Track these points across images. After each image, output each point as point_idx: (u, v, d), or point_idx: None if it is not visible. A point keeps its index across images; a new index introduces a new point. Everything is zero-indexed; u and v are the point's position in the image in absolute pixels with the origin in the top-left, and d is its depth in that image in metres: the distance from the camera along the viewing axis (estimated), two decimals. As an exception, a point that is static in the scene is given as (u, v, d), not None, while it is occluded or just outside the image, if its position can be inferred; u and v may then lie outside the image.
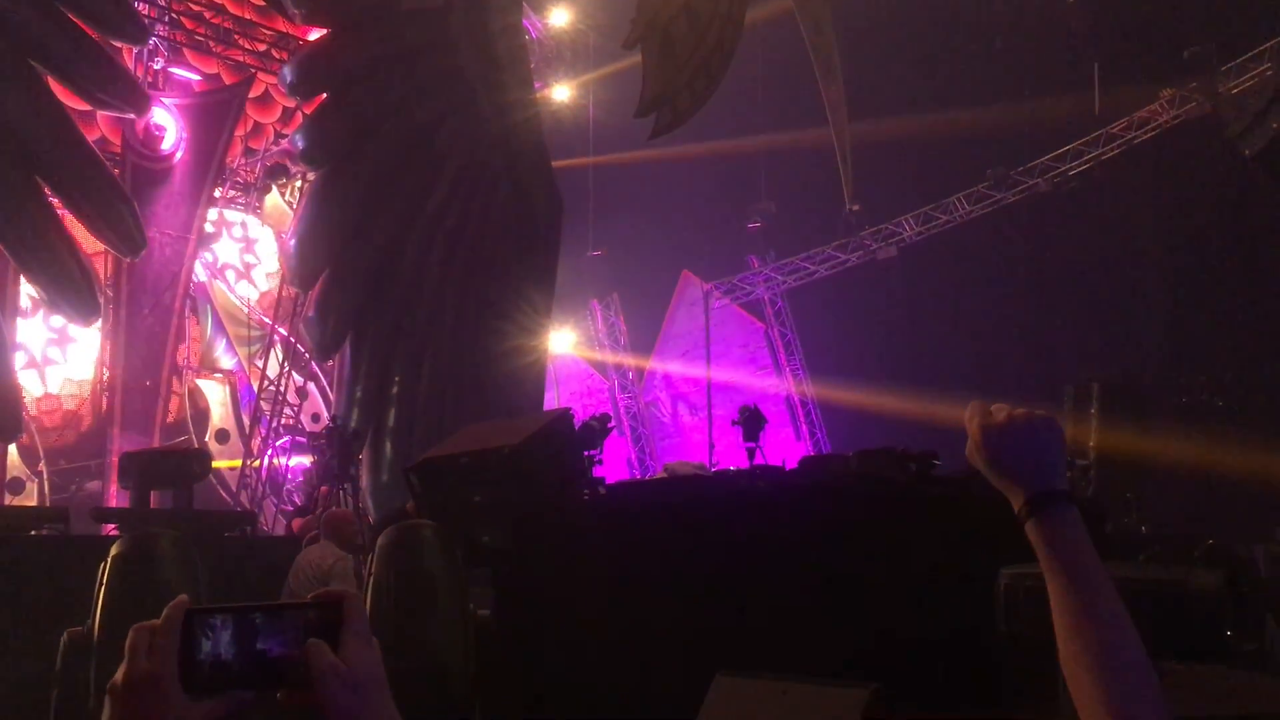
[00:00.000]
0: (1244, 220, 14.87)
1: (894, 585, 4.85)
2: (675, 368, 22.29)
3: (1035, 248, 17.62)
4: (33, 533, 8.41)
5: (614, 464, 17.79)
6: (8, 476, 15.51)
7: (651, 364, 22.82)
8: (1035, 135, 17.22)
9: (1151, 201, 16.26)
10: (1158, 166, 16.41)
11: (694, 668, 3.97)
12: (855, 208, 19.25)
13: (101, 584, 3.78)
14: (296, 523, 11.44)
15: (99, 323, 15.00)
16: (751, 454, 9.36)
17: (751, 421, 9.35)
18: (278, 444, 17.88)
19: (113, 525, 9.11)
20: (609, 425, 7.97)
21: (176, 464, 9.65)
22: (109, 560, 3.83)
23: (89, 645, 3.61)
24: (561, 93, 20.86)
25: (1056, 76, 16.58)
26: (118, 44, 14.06)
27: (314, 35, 15.52)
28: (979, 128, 16.99)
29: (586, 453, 6.81)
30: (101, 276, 15.56)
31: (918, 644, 4.53)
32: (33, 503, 16.20)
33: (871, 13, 17.95)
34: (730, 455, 17.33)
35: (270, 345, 18.75)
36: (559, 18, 20.50)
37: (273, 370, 18.40)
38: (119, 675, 1.08)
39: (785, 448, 19.04)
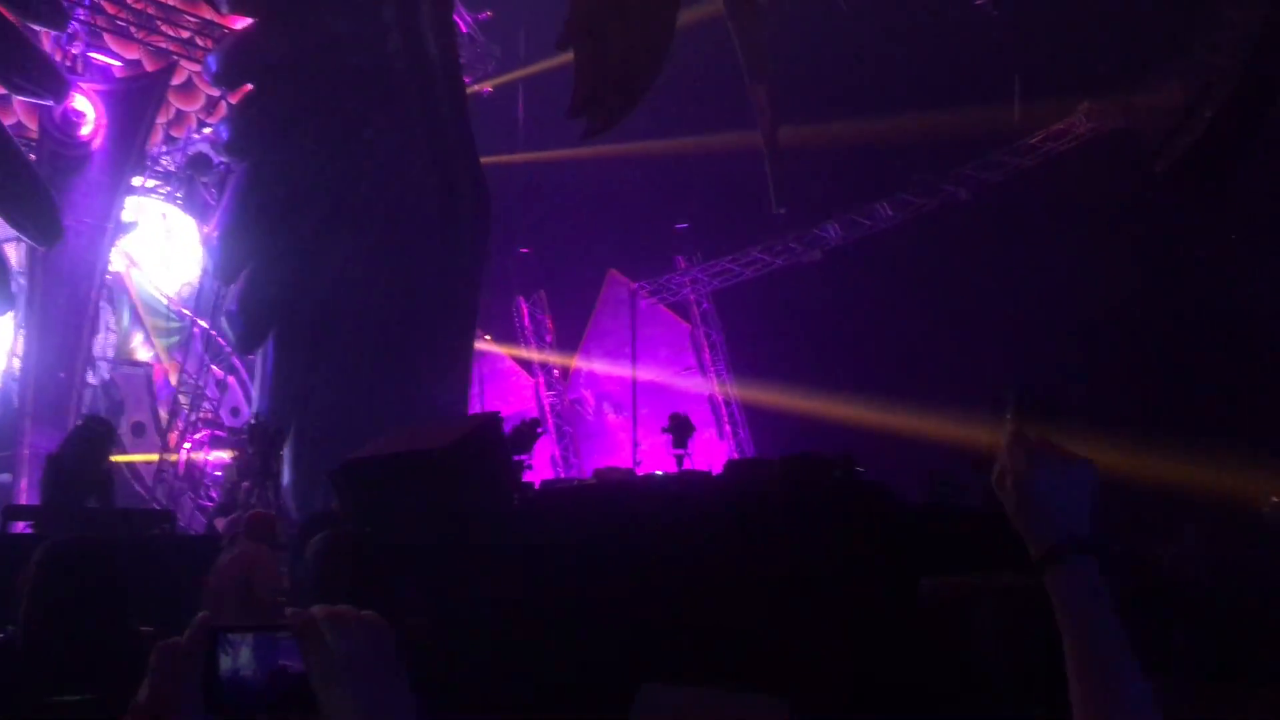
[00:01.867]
0: (1156, 232, 15.36)
1: (815, 590, 4.96)
2: (600, 366, 22.34)
3: (956, 254, 17.98)
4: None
5: (538, 462, 17.75)
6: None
7: (577, 362, 22.84)
8: (958, 144, 17.59)
9: (1068, 211, 16.69)
10: (1075, 178, 16.87)
11: (622, 676, 4.04)
12: (781, 210, 19.46)
13: (26, 590, 3.71)
14: (220, 522, 11.28)
15: (11, 313, 14.64)
16: (680, 460, 9.46)
17: (681, 429, 9.45)
18: (196, 438, 17.59)
19: (25, 524, 8.91)
20: (539, 430, 8.01)
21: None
22: (32, 565, 3.76)
23: (14, 653, 3.55)
24: (491, 89, 20.78)
25: (979, 87, 16.95)
26: (36, 28, 13.71)
27: (240, 24, 15.26)
28: (904, 135, 17.30)
29: (516, 457, 6.83)
30: (14, 265, 15.18)
31: (840, 652, 4.64)
32: (-62, 496, 15.76)
33: (801, 17, 18.16)
34: (654, 454, 17.43)
35: (190, 338, 18.43)
36: (490, 13, 20.42)
37: (192, 364, 18.10)
38: (141, 695, 1.09)
39: (709, 447, 19.19)
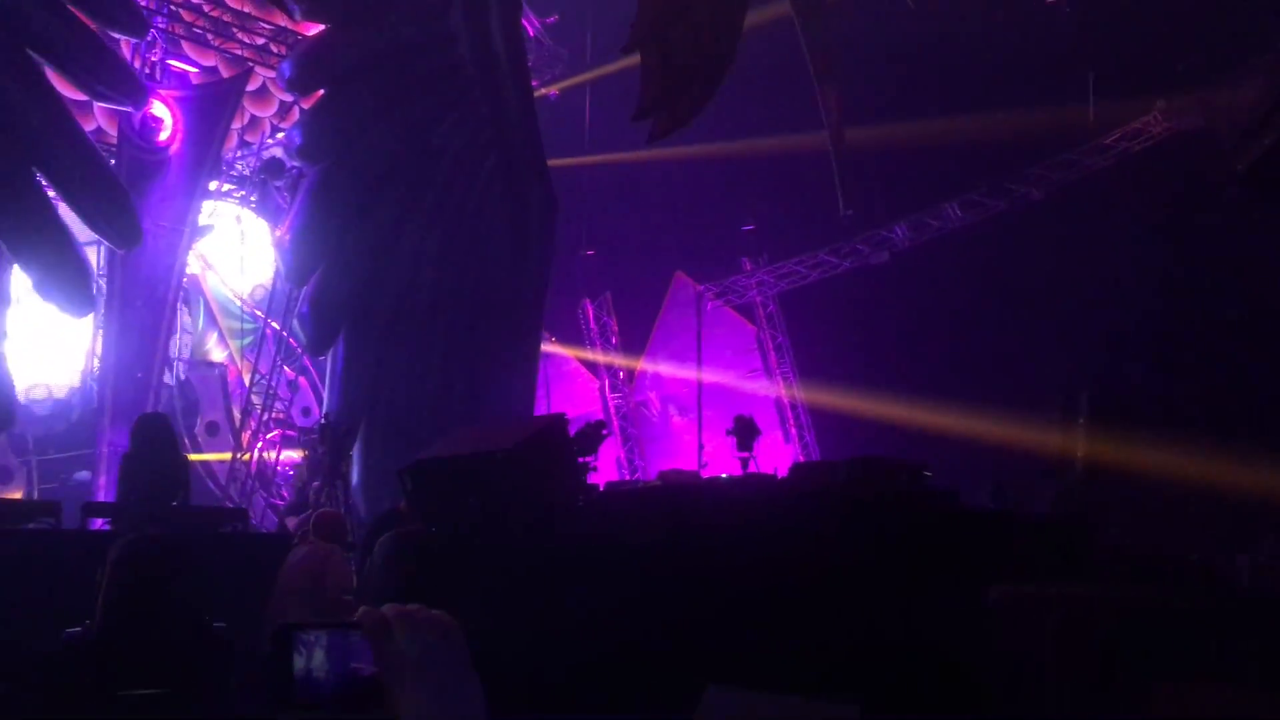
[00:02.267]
0: (1235, 233, 14.98)
1: (883, 597, 4.90)
2: (666, 369, 22.34)
3: (1027, 256, 17.69)
4: (24, 526, 8.43)
5: (603, 464, 17.81)
6: (-3, 465, 15.54)
7: (642, 364, 22.87)
8: (1029, 144, 17.31)
9: (1143, 213, 16.35)
10: (1151, 178, 16.52)
11: (686, 678, 4.02)
12: (848, 212, 19.30)
13: (101, 585, 3.80)
14: (291, 521, 11.46)
15: (92, 314, 15.00)
16: (745, 464, 9.42)
17: (746, 431, 9.41)
18: (268, 437, 17.89)
19: (102, 521, 9.13)
20: (604, 432, 8.02)
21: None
22: (109, 559, 3.85)
23: (90, 647, 3.64)
24: (557, 92, 20.88)
25: (1052, 86, 16.67)
26: (116, 36, 14.04)
27: (313, 30, 15.51)
28: (974, 135, 17.07)
29: (582, 459, 6.85)
30: (95, 268, 15.55)
31: (905, 657, 4.58)
32: (20, 492, 16.22)
33: (869, 18, 18.00)
34: (720, 457, 17.39)
35: (262, 339, 18.76)
36: (557, 17, 20.53)
37: (264, 364, 18.41)
38: None
39: (774, 451, 19.11)
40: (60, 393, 18.05)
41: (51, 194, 12.60)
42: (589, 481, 7.05)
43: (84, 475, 16.49)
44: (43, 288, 12.35)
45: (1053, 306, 16.81)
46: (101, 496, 13.99)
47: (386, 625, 1.16)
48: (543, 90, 19.87)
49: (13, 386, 12.44)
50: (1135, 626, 3.56)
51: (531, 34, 19.48)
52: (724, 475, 11.56)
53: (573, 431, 6.97)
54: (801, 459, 19.73)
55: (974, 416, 15.01)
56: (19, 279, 12.84)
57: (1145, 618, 3.69)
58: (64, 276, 12.25)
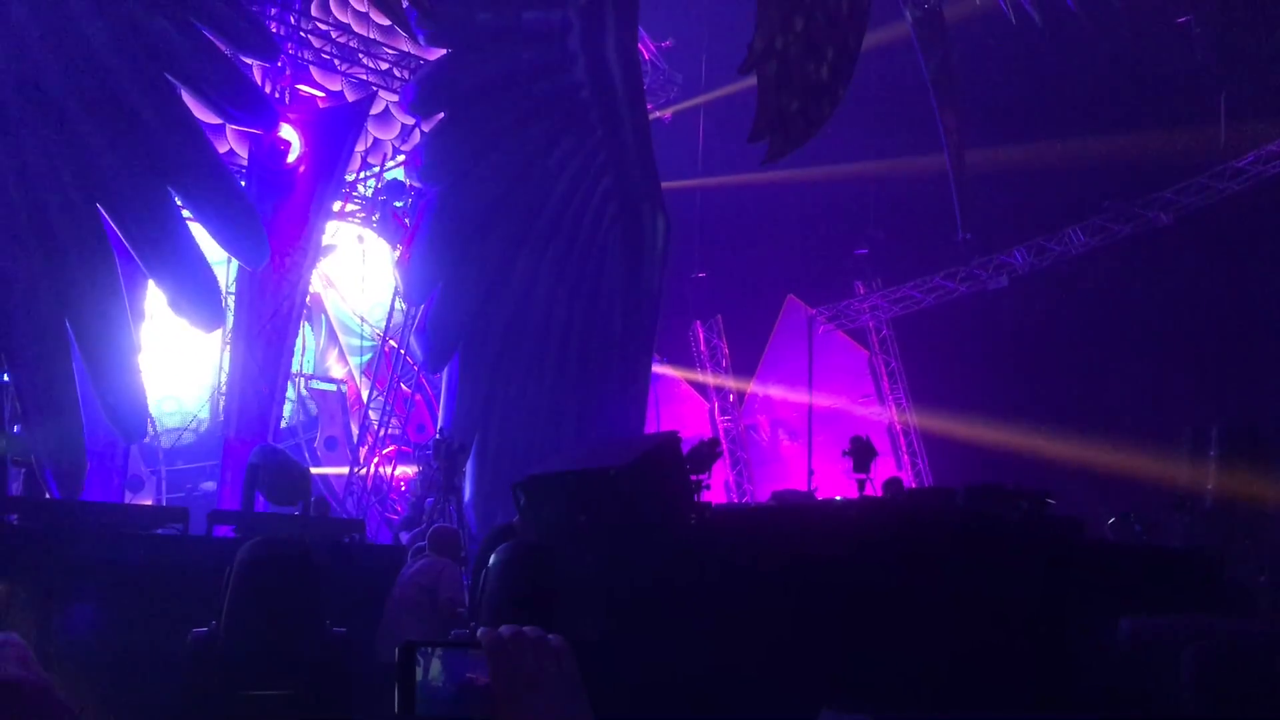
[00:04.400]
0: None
1: (1005, 625, 4.76)
2: (776, 392, 22.17)
3: (1153, 283, 17.14)
4: (154, 531, 8.72)
5: (713, 488, 17.75)
6: (128, 474, 16.12)
7: (752, 387, 22.74)
8: (1156, 167, 16.79)
9: (1277, 238, 15.72)
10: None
11: (798, 701, 3.96)
12: (967, 236, 18.96)
13: (228, 587, 3.90)
14: (405, 535, 11.67)
15: (220, 329, 15.52)
16: (861, 486, 9.27)
17: (863, 452, 9.25)
18: (384, 453, 18.25)
19: (228, 527, 9.41)
20: (718, 450, 7.97)
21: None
22: (236, 564, 3.95)
23: (216, 647, 3.73)
24: (671, 116, 20.99)
25: (1180, 107, 16.17)
26: (248, 60, 14.55)
27: (435, 55, 15.87)
28: (1097, 157, 16.63)
29: (694, 477, 6.82)
30: (224, 285, 16.09)
31: (1030, 686, 4.44)
32: (150, 500, 16.81)
33: (990, 38, 17.71)
34: (830, 482, 17.17)
35: (380, 356, 19.17)
36: (672, 41, 20.66)
37: (382, 381, 18.81)
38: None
39: (887, 476, 18.78)
40: (189, 405, 18.70)
41: (184, 213, 13.10)
42: (701, 500, 7.01)
43: (210, 486, 17.03)
44: (175, 304, 12.81)
45: (1182, 335, 16.23)
46: (225, 506, 14.42)
47: (503, 645, 1.22)
48: (657, 114, 19.99)
49: (145, 399, 12.91)
50: (1273, 662, 3.38)
51: (647, 58, 19.64)
52: (838, 497, 11.40)
53: (685, 450, 6.93)
54: (914, 486, 19.36)
55: (1098, 446, 14.55)
56: (153, 295, 13.36)
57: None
58: (195, 293, 12.69)
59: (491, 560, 4.44)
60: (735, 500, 20.92)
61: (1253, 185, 16.48)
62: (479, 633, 1.24)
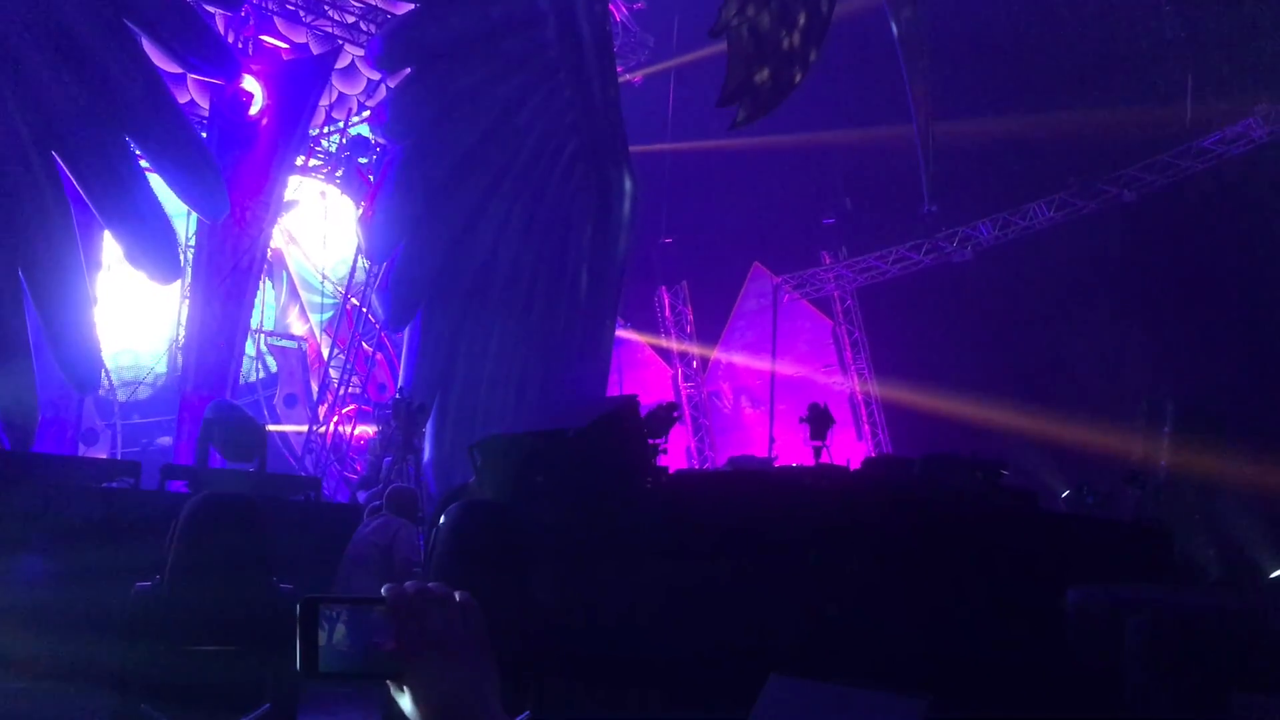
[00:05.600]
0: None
1: (956, 592, 4.79)
2: (740, 359, 22.22)
3: (1114, 259, 17.27)
4: (105, 484, 8.62)
5: (673, 453, 17.80)
6: (83, 426, 15.93)
7: (716, 354, 22.77)
8: (1122, 144, 16.87)
9: (1238, 219, 15.85)
10: (1248, 183, 16.00)
11: (749, 663, 3.96)
12: (933, 208, 19.00)
13: (173, 540, 3.84)
14: (363, 494, 11.61)
15: (178, 282, 15.31)
16: (818, 453, 9.30)
17: (820, 420, 9.28)
18: (343, 411, 18.13)
19: (181, 482, 9.31)
20: (675, 414, 7.96)
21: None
22: (181, 517, 3.89)
23: (159, 600, 3.68)
24: (641, 79, 20.83)
25: (1147, 86, 16.22)
26: (211, 10, 14.27)
27: (402, 9, 15.64)
28: (1064, 132, 16.68)
29: (652, 440, 6.81)
30: (183, 238, 15.87)
31: (974, 655, 4.47)
32: (104, 453, 16.63)
33: (960, 11, 17.67)
34: (790, 450, 17.25)
35: (342, 314, 19.00)
36: (643, 3, 20.47)
37: (343, 339, 18.66)
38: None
39: (847, 447, 18.90)
40: (146, 359, 18.49)
41: (143, 164, 12.86)
42: (659, 464, 7.00)
43: (166, 440, 16.86)
44: (131, 256, 12.59)
45: (1141, 312, 16.38)
46: (181, 461, 14.28)
47: (408, 601, 1.20)
48: (628, 76, 19.83)
49: (100, 351, 12.72)
50: (1216, 633, 3.42)
51: (618, 19, 19.45)
52: (795, 464, 11.44)
53: (644, 414, 6.92)
54: (873, 455, 19.50)
55: (1055, 419, 14.69)
56: (110, 246, 13.13)
57: (1226, 625, 3.55)
58: (152, 245, 12.47)
59: (442, 519, 4.40)
60: (695, 467, 20.98)
61: (1215, 165, 16.60)
62: (384, 589, 1.22)
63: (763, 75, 13.44)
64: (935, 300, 19.48)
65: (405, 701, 1.18)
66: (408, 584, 1.21)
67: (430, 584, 1.22)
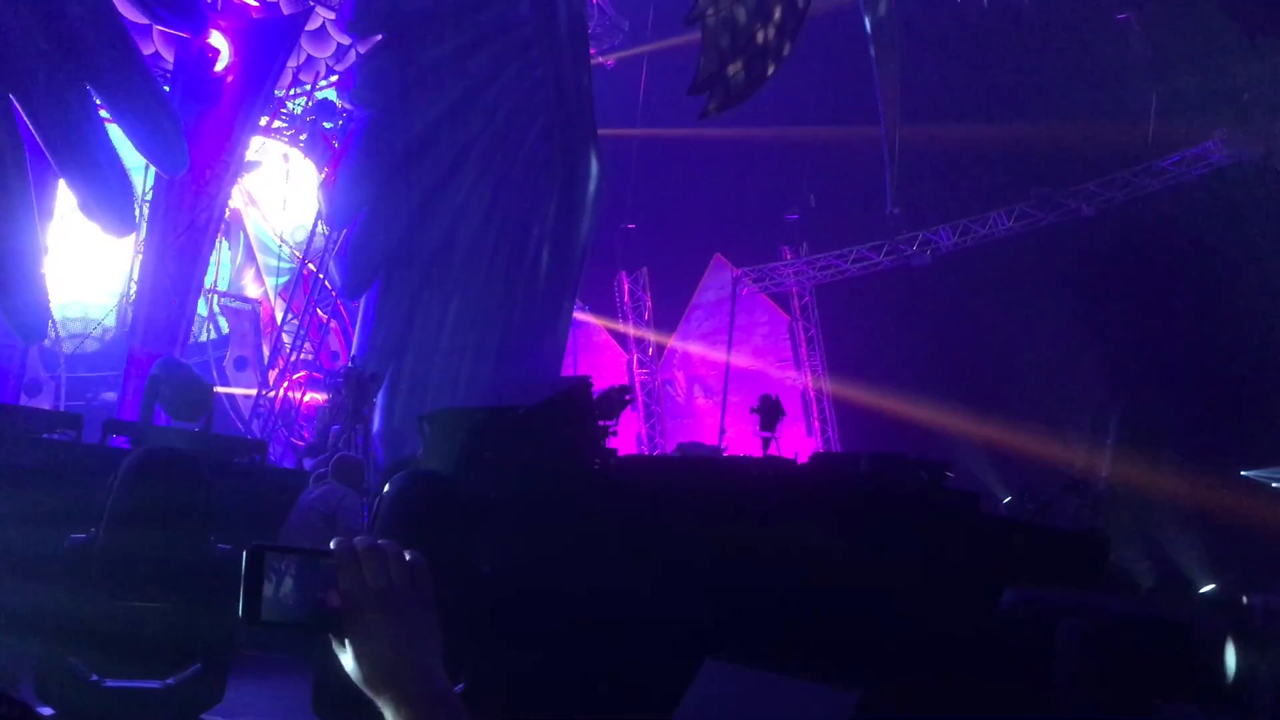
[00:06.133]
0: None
1: (893, 589, 4.84)
2: (695, 349, 22.28)
3: (1069, 271, 17.49)
4: (45, 436, 8.49)
5: (624, 438, 17.82)
6: (26, 376, 15.67)
7: (672, 342, 22.81)
8: (1083, 158, 17.08)
9: (1192, 240, 16.11)
10: (1203, 205, 16.25)
11: (685, 648, 3.98)
12: (895, 210, 19.13)
13: (110, 493, 3.79)
14: (309, 462, 11.51)
15: (133, 236, 15.07)
16: (766, 444, 9.34)
17: (770, 411, 9.33)
18: (294, 377, 17.96)
19: (123, 437, 9.18)
20: (627, 398, 7.97)
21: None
22: (121, 471, 3.84)
23: (92, 553, 3.63)
24: (614, 62, 20.76)
25: (1113, 102, 16.42)
26: (181, -39, 14.03)
27: (377, -26, 15.45)
28: (1028, 144, 16.86)
29: (602, 422, 6.82)
30: (140, 191, 15.62)
31: (911, 649, 4.52)
32: (48, 405, 16.36)
33: (935, 16, 17.78)
34: (740, 442, 17.33)
35: (298, 279, 18.80)
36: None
37: (298, 305, 18.48)
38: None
39: (796, 442, 19.03)
40: (95, 312, 18.20)
41: (103, 114, 12.63)
42: (608, 445, 7.01)
43: (111, 396, 16.62)
44: (86, 206, 12.38)
45: (1092, 325, 16.60)
46: (125, 417, 14.09)
47: (355, 557, 1.19)
48: (601, 59, 19.75)
49: (48, 301, 12.50)
50: (1145, 641, 3.49)
51: (594, 1, 19.37)
52: (742, 455, 11.50)
53: (596, 396, 6.93)
54: (822, 451, 19.65)
55: (1001, 426, 14.88)
56: (64, 196, 12.89)
57: (1155, 634, 3.61)
58: (107, 197, 12.26)
59: (389, 484, 4.39)
60: (645, 452, 21.02)
61: (1172, 185, 16.86)
62: (333, 543, 1.21)
63: (735, 67, 13.44)
64: (892, 302, 19.64)
65: (347, 658, 1.18)
66: (357, 539, 1.20)
67: (381, 540, 1.21)
